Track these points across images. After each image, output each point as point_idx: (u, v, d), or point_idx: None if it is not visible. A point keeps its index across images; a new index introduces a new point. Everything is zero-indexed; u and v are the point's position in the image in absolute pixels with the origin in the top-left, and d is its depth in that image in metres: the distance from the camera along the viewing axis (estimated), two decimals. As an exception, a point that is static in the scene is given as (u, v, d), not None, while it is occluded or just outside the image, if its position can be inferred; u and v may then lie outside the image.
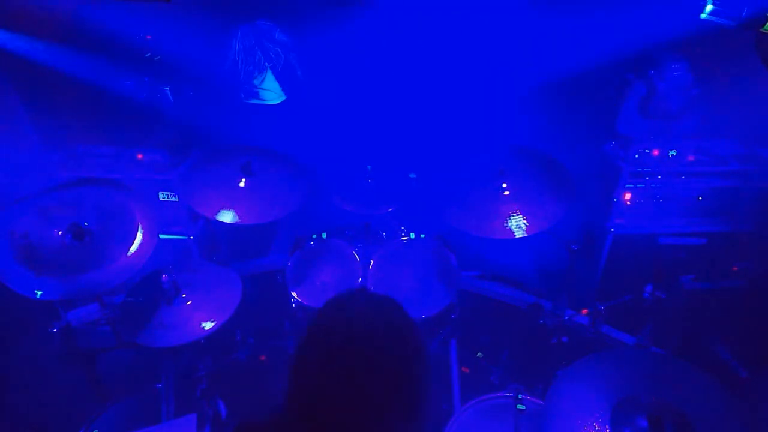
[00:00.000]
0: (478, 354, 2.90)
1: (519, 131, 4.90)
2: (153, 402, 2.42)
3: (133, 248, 2.43)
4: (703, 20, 2.23)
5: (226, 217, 2.73)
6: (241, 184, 2.84)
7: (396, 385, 1.09)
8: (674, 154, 3.28)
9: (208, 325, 2.42)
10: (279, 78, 4.75)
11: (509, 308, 3.09)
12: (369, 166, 3.26)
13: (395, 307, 1.22)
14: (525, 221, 2.48)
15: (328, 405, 1.08)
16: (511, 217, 2.50)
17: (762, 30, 2.05)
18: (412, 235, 2.96)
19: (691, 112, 3.33)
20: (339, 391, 1.07)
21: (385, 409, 1.09)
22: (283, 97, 4.87)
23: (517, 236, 2.47)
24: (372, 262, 2.89)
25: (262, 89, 4.80)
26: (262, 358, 3.04)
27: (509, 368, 2.81)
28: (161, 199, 3.54)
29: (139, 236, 2.46)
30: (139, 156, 3.45)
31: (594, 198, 3.69)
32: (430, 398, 1.16)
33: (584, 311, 2.61)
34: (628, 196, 3.38)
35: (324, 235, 3.08)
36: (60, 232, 2.36)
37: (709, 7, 2.09)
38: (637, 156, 3.29)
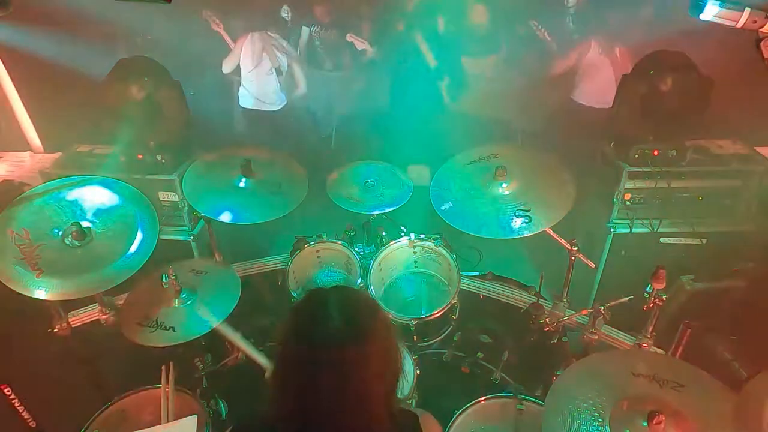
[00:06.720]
0: (478, 354, 2.89)
1: (519, 131, 4.92)
2: (153, 402, 2.42)
3: (133, 248, 2.42)
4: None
5: (226, 217, 2.73)
6: (242, 185, 2.85)
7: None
8: (674, 153, 3.28)
9: (208, 325, 2.41)
10: (281, 85, 4.83)
11: (509, 308, 3.09)
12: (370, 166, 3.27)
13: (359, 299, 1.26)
14: (526, 221, 2.47)
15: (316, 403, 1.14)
16: (512, 217, 2.50)
17: (762, 30, 2.05)
18: (412, 236, 2.95)
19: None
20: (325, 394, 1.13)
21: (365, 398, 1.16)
22: (283, 103, 4.94)
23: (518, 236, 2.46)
24: (372, 262, 2.89)
25: (263, 94, 4.86)
26: (262, 358, 3.03)
27: (509, 368, 2.81)
28: (161, 199, 3.54)
29: (139, 236, 2.46)
30: (139, 156, 3.45)
31: (594, 198, 3.69)
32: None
33: (584, 311, 2.60)
34: (628, 196, 3.38)
35: (324, 235, 3.08)
36: (60, 232, 2.36)
37: (709, 7, 2.08)
38: (637, 156, 3.29)
